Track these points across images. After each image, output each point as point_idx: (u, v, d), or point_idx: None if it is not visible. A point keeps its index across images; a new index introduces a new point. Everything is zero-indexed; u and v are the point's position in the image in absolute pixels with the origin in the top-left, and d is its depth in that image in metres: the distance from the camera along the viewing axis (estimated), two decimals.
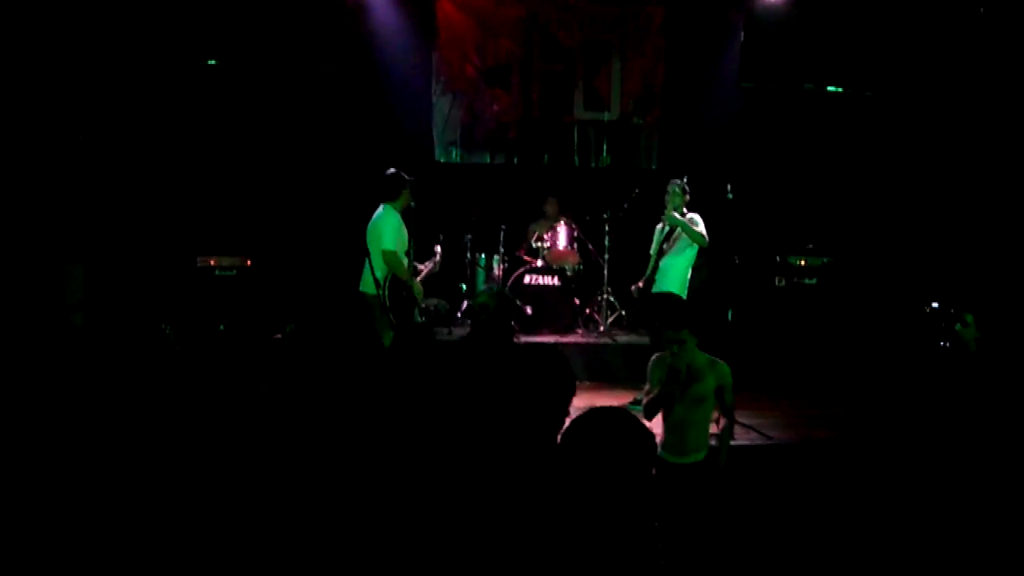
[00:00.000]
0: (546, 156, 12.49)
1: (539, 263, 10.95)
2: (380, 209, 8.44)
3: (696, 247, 8.71)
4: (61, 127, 10.20)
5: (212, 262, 10.33)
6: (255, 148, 11.33)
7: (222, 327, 10.00)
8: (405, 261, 8.46)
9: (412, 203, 8.54)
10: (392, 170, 8.58)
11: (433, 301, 10.59)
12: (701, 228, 8.66)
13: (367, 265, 8.34)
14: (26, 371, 7.51)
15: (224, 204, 11.05)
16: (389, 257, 8.22)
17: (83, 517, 3.86)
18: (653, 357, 5.61)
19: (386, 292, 8.25)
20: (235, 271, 10.41)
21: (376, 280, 8.20)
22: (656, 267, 8.90)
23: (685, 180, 8.81)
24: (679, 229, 8.75)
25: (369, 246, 8.36)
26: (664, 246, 8.87)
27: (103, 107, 10.52)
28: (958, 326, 7.19)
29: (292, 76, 11.46)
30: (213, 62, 11.18)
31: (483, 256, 11.33)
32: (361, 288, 8.49)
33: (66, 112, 10.22)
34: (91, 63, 10.35)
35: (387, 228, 8.28)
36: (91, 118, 10.43)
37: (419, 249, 8.88)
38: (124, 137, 10.73)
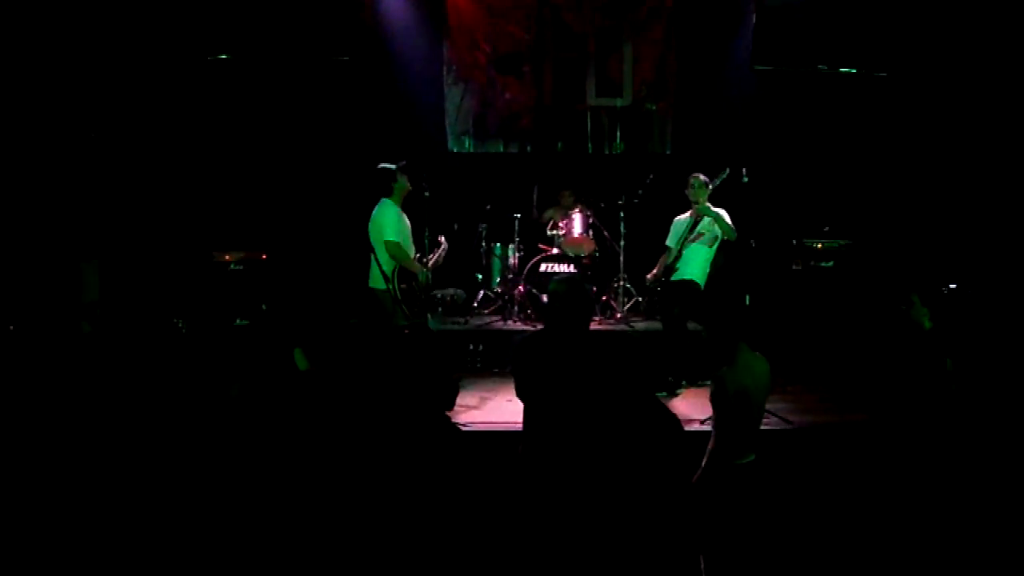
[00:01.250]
0: (559, 143, 12.46)
1: (555, 251, 10.93)
2: (379, 204, 8.43)
3: (719, 240, 8.79)
4: (74, 125, 10.21)
5: (227, 257, 10.31)
6: (269, 142, 11.34)
7: (238, 322, 9.98)
8: (412, 250, 8.45)
9: (411, 187, 8.47)
10: (381, 165, 8.53)
11: (449, 291, 10.59)
12: (729, 221, 8.73)
13: (373, 260, 8.32)
14: (43, 366, 7.54)
15: (239, 199, 11.06)
16: (392, 247, 8.20)
17: (87, 507, 3.85)
18: None
19: (395, 285, 8.23)
20: (250, 265, 10.38)
21: (384, 274, 8.18)
22: (678, 256, 8.90)
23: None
24: (704, 222, 8.79)
25: (372, 241, 8.34)
26: (689, 236, 8.89)
27: (116, 104, 10.53)
28: (912, 310, 7.16)
29: (304, 69, 11.43)
30: (224, 57, 11.17)
31: (498, 245, 11.31)
32: (370, 284, 8.47)
33: (79, 110, 10.23)
34: (103, 61, 10.35)
35: (385, 220, 8.27)
36: (104, 116, 10.44)
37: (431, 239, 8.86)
38: (137, 134, 10.73)
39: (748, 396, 5.15)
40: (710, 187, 8.81)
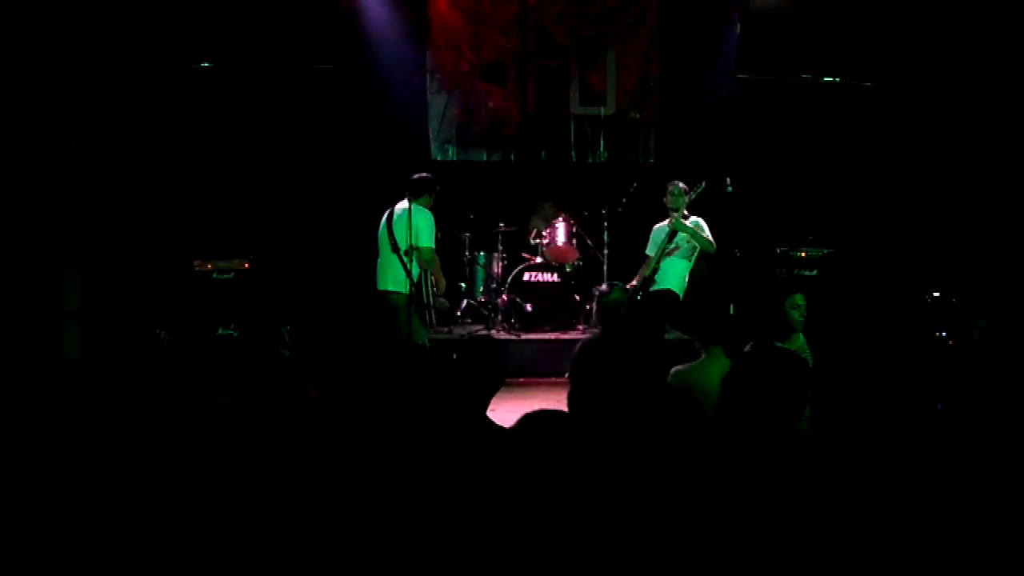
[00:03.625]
0: (543, 152, 12.45)
1: (538, 260, 10.91)
2: (411, 206, 8.19)
3: (698, 250, 8.81)
4: (56, 133, 10.14)
5: (209, 265, 10.22)
6: (251, 150, 11.27)
7: (221, 331, 9.91)
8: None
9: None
10: (426, 174, 8.53)
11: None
12: (707, 233, 8.75)
13: (393, 262, 8.19)
14: (23, 378, 7.46)
15: (222, 207, 10.99)
16: (429, 255, 8.09)
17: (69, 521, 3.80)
18: None
19: (428, 289, 8.15)
20: (233, 274, 10.30)
21: (411, 278, 8.04)
22: (656, 269, 8.93)
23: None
24: (679, 235, 8.82)
25: (399, 242, 8.21)
26: (667, 247, 8.90)
27: (98, 112, 10.47)
28: (795, 312, 7.02)
29: (287, 77, 11.39)
30: (207, 65, 11.13)
31: (482, 254, 11.29)
32: (384, 287, 8.36)
33: (60, 118, 10.17)
34: (85, 68, 10.29)
35: (424, 225, 8.12)
36: (86, 123, 10.37)
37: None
38: (119, 142, 10.67)
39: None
40: (688, 197, 8.84)
